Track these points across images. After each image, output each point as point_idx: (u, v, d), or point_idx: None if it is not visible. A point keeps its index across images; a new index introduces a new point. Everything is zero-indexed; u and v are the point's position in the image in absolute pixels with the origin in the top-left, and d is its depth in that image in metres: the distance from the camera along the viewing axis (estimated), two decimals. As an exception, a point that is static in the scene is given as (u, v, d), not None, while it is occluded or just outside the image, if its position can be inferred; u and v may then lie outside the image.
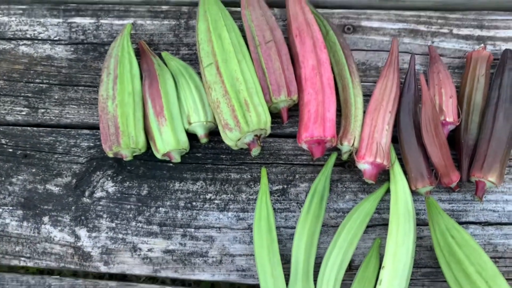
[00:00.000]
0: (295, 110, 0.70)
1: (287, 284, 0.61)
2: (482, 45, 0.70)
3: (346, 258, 0.62)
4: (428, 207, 0.60)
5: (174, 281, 0.71)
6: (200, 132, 0.67)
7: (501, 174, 0.62)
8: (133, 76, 0.69)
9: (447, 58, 0.72)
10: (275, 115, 0.69)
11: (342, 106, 0.68)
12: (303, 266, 0.61)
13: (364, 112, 0.67)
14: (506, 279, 0.61)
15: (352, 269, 0.63)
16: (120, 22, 0.77)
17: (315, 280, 0.61)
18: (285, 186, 0.68)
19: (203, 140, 0.67)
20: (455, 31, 0.73)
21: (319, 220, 0.64)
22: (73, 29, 0.77)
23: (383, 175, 0.66)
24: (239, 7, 0.74)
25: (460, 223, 0.64)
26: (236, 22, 0.72)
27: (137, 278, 0.87)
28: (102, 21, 0.77)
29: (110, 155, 0.66)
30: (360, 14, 0.74)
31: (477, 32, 0.72)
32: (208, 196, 0.68)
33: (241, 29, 0.71)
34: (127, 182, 0.69)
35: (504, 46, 0.71)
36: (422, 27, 0.73)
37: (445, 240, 0.58)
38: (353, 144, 0.65)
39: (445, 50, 0.72)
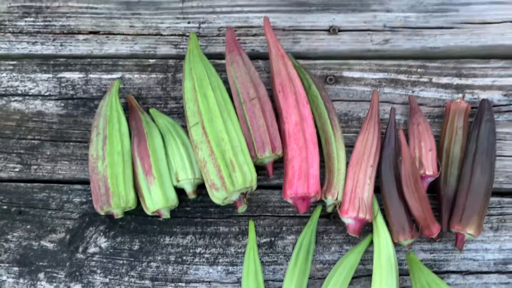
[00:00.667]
0: (282, 161, 0.72)
1: (275, 338, 0.64)
2: (461, 95, 0.72)
3: (332, 312, 0.64)
4: (409, 262, 0.62)
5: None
6: (188, 189, 0.69)
7: (479, 226, 0.64)
8: (122, 135, 0.71)
9: (427, 107, 0.74)
10: (262, 167, 0.71)
11: (326, 160, 0.70)
12: (291, 321, 0.63)
13: (347, 163, 0.69)
14: (486, 328, 0.64)
15: (338, 320, 0.65)
16: (109, 76, 0.79)
17: (302, 333, 0.64)
18: (273, 239, 0.70)
19: (191, 196, 0.69)
20: (434, 80, 0.75)
21: (306, 274, 0.66)
22: (63, 84, 0.79)
23: (367, 226, 0.68)
24: (225, 59, 0.76)
25: (442, 273, 0.66)
26: (222, 75, 0.74)
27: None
28: (90, 75, 0.79)
29: (102, 213, 0.68)
30: (341, 64, 0.77)
31: (456, 81, 0.74)
32: (197, 250, 0.70)
33: (227, 81, 0.73)
34: (119, 237, 0.71)
35: (482, 94, 0.73)
36: (402, 77, 0.75)
37: None
38: (337, 198, 0.67)
39: (425, 99, 0.74)
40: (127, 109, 0.75)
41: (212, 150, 0.65)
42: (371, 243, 0.67)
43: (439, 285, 0.61)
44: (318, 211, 0.69)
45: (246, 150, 0.67)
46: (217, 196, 0.65)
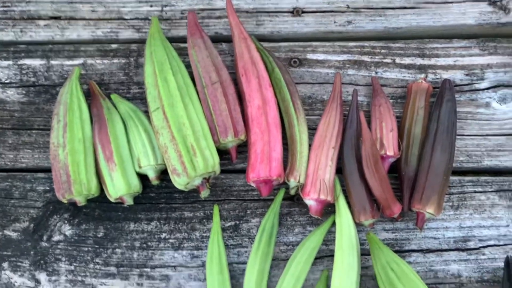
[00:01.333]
0: (246, 145, 0.71)
1: (239, 319, 0.64)
2: (423, 75, 0.73)
3: (294, 293, 0.65)
4: (369, 242, 0.63)
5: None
6: (151, 175, 0.68)
7: (439, 205, 0.65)
8: (83, 122, 0.70)
9: (390, 88, 0.74)
10: (226, 152, 0.71)
11: (289, 142, 0.70)
12: (254, 302, 0.64)
13: (310, 146, 0.69)
14: (446, 304, 0.65)
15: (302, 300, 0.66)
16: (70, 62, 0.78)
17: (266, 314, 0.65)
18: (237, 222, 0.70)
19: (155, 182, 0.69)
20: (398, 60, 0.75)
21: (269, 256, 0.67)
22: (24, 71, 0.78)
23: (330, 207, 0.69)
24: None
25: (403, 251, 0.67)
26: (185, 59, 0.73)
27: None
28: (52, 62, 0.78)
29: (64, 201, 0.68)
30: (305, 47, 0.76)
31: (419, 61, 0.75)
32: (162, 236, 0.70)
33: (190, 66, 0.73)
34: (84, 225, 0.71)
35: (444, 74, 0.74)
36: (366, 58, 0.75)
37: (385, 273, 0.61)
38: (299, 180, 0.67)
39: (389, 80, 0.74)
40: (89, 95, 0.74)
41: (173, 135, 0.65)
42: (334, 224, 0.67)
43: (399, 264, 0.62)
44: (281, 194, 0.69)
45: (208, 135, 0.67)
46: (178, 182, 0.65)
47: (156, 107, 0.67)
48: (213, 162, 0.65)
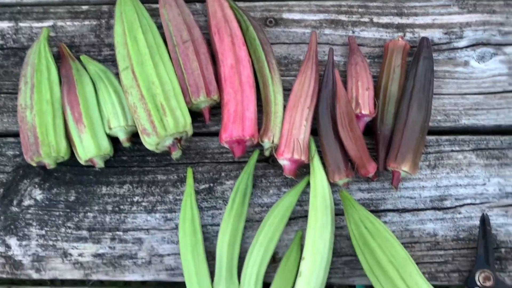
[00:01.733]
0: (220, 107, 0.70)
1: (213, 281, 0.63)
2: (401, 34, 0.71)
3: (268, 252, 0.64)
4: (342, 200, 0.62)
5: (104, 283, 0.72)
6: (122, 136, 0.67)
7: (415, 163, 0.64)
8: (51, 83, 0.68)
9: (367, 48, 0.72)
10: (201, 114, 0.70)
11: (263, 103, 0.69)
12: (227, 263, 0.63)
13: (285, 107, 0.68)
14: (422, 262, 0.65)
15: (276, 261, 0.65)
16: (40, 24, 0.75)
17: (240, 275, 0.64)
18: (212, 185, 0.69)
19: (126, 144, 0.67)
20: (375, 19, 0.73)
21: (242, 216, 0.66)
22: (-8, 34, 0.75)
23: (305, 168, 0.68)
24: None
25: (379, 211, 0.67)
26: (158, 19, 0.71)
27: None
28: (21, 24, 0.75)
29: (33, 164, 0.66)
30: (281, 6, 0.74)
31: (397, 20, 0.73)
32: (135, 199, 0.69)
33: (162, 27, 0.71)
34: (55, 189, 0.69)
35: (422, 33, 0.72)
36: (343, 17, 0.73)
37: (359, 231, 0.61)
38: (273, 141, 0.66)
39: (366, 39, 0.73)
40: (59, 58, 0.72)
41: (142, 95, 0.63)
42: (309, 184, 0.66)
43: (372, 222, 0.61)
44: (255, 155, 0.68)
45: (179, 95, 0.65)
46: (149, 142, 0.63)
47: (125, 66, 0.65)
48: (184, 122, 0.64)
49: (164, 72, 0.65)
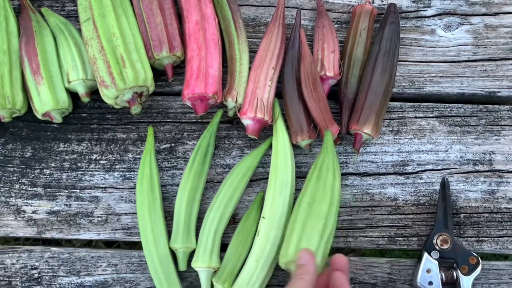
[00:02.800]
0: (184, 66, 0.68)
1: (170, 240, 0.62)
2: (368, -1, 0.71)
3: (226, 212, 0.63)
4: (324, 138, 0.62)
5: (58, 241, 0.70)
6: (81, 91, 0.65)
7: (377, 126, 0.64)
8: (9, 34, 0.66)
9: (336, 13, 0.72)
10: (164, 73, 0.68)
11: (228, 63, 0.67)
12: (185, 221, 0.62)
13: (250, 69, 0.67)
14: (381, 226, 0.64)
15: (236, 222, 0.64)
16: (1, -24, 0.73)
17: (198, 234, 0.63)
18: (173, 145, 0.67)
19: (85, 99, 0.65)
20: (345, -15, 0.73)
21: (202, 176, 0.64)
22: (-50, -15, 0.72)
23: (270, 131, 0.67)
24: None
25: (341, 175, 0.66)
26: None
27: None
28: (-19, -25, 0.73)
29: (-13, 116, 0.64)
30: (251, -32, 0.73)
31: (366, -13, 0.73)
32: (93, 157, 0.67)
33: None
34: (10, 145, 0.67)
35: (391, 0, 0.72)
36: (312, -18, 0.73)
37: (315, 172, 0.59)
38: (236, 101, 0.65)
39: (334, 4, 0.72)
40: (21, 11, 0.69)
41: (102, 46, 0.61)
42: (271, 146, 0.65)
43: (333, 174, 0.58)
44: (218, 115, 0.66)
45: (141, 48, 0.64)
46: (107, 95, 0.62)
47: (86, 18, 0.63)
48: (145, 75, 0.62)
49: (126, 25, 0.63)
